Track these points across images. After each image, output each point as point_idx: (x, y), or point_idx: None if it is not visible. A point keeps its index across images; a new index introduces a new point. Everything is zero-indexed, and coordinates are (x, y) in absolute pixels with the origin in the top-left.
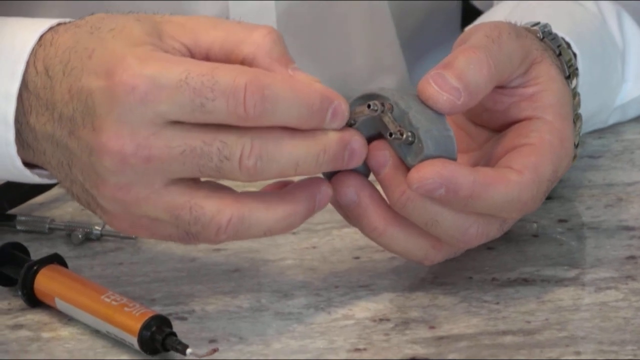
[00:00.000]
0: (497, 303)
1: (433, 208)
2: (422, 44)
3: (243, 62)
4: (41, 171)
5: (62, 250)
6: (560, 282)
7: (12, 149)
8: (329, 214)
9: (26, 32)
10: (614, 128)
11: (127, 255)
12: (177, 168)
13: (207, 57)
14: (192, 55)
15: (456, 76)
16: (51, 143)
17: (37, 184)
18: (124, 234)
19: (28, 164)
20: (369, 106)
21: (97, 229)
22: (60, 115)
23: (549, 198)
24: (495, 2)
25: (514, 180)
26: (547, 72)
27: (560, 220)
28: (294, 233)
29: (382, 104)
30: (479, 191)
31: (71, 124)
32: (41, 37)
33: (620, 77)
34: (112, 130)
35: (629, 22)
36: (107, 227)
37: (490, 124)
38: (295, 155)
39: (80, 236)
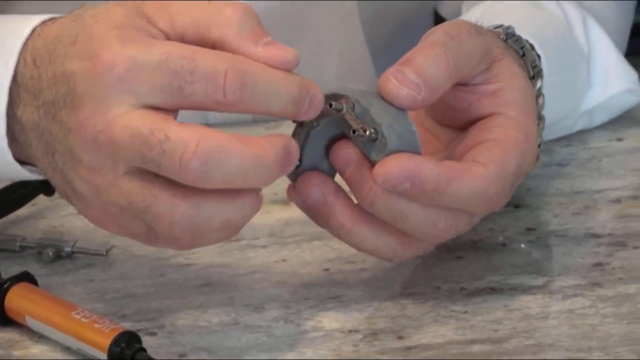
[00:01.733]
0: (465, 312)
1: (400, 203)
2: (394, 55)
3: (214, 46)
4: (30, 167)
5: (33, 268)
6: (527, 290)
7: (4, 141)
8: (299, 227)
9: (21, 26)
10: (580, 136)
11: (98, 272)
12: (128, 154)
13: (183, 42)
14: (169, 40)
15: (415, 72)
16: (36, 132)
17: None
18: (96, 225)
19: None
20: (330, 105)
21: (68, 247)
22: (44, 101)
23: (516, 206)
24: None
25: (479, 174)
26: (509, 69)
27: (528, 229)
28: (263, 247)
29: (344, 103)
30: (445, 184)
31: (54, 107)
32: (33, 30)
33: (585, 82)
34: (89, 108)
35: (594, 27)
36: (78, 245)
37: (455, 123)
38: (243, 164)
39: (50, 254)
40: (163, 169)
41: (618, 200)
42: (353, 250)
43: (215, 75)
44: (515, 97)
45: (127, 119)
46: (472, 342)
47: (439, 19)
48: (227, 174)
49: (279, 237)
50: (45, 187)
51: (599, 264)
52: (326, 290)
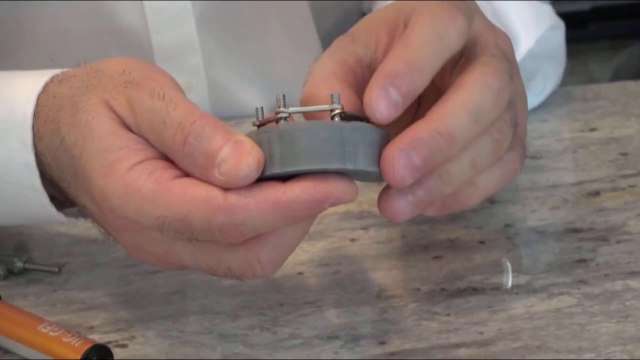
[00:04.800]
0: (448, 314)
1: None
2: None
3: None
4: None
5: None
6: (510, 289)
7: (51, 208)
8: None
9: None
10: (552, 127)
11: (61, 281)
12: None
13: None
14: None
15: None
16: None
17: None
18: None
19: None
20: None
21: (20, 262)
22: (78, 203)
23: (492, 202)
24: None
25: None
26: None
27: (506, 225)
28: None
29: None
30: (441, 115)
31: (91, 214)
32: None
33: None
34: (131, 249)
35: None
36: (33, 258)
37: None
38: (298, 237)
39: (1, 272)
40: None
41: (597, 193)
42: (325, 253)
43: (212, 232)
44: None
45: (178, 252)
46: (458, 345)
47: None
48: (294, 246)
49: None
50: None
51: (583, 260)
52: (302, 295)
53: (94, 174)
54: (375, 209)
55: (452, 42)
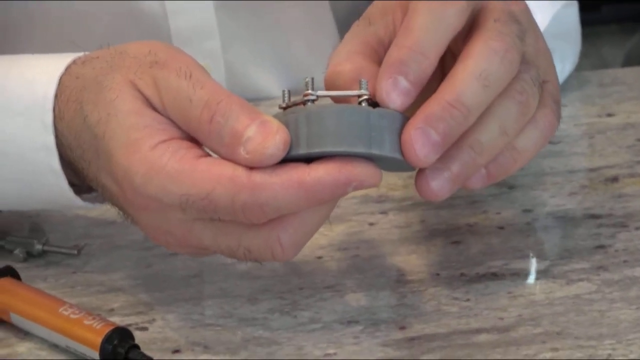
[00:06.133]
0: (468, 300)
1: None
2: None
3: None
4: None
5: (9, 264)
6: (530, 275)
7: (69, 192)
8: None
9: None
10: (570, 112)
11: (80, 263)
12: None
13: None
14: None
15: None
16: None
17: None
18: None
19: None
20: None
21: (39, 245)
22: (97, 184)
23: (511, 187)
24: None
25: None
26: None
27: (525, 210)
28: None
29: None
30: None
31: (114, 204)
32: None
33: None
34: (150, 230)
35: None
36: (51, 241)
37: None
38: (319, 221)
39: (21, 255)
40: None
41: (615, 179)
42: (345, 237)
43: (235, 211)
44: None
45: (198, 233)
46: (478, 331)
47: None
48: (315, 230)
49: None
50: None
51: (602, 247)
52: (321, 279)
53: (116, 152)
54: (395, 193)
55: (453, 21)
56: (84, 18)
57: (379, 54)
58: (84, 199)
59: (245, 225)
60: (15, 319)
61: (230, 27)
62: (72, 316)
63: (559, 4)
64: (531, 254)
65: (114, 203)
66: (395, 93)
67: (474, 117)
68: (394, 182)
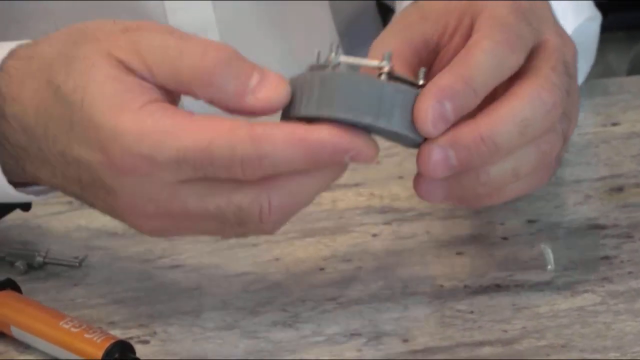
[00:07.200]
0: (472, 312)
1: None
2: (359, 33)
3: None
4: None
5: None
6: (534, 286)
7: (8, 188)
8: (289, 224)
9: None
10: None
11: (81, 276)
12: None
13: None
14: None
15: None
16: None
17: None
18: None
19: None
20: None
21: (40, 257)
22: (63, 174)
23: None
24: None
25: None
26: None
27: (529, 221)
28: (254, 245)
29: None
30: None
31: (81, 183)
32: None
33: None
34: (129, 199)
35: None
36: (51, 253)
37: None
38: (310, 191)
39: (22, 267)
40: (246, 230)
41: (620, 189)
42: (347, 248)
43: (233, 164)
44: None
45: (183, 197)
46: (482, 344)
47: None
48: (306, 201)
49: (268, 235)
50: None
51: (607, 258)
52: (323, 291)
53: (100, 116)
54: (397, 204)
55: (513, 65)
56: (82, 15)
57: (420, 57)
58: (28, 193)
59: (237, 182)
60: (16, 332)
61: (229, 25)
62: (72, 330)
63: (583, 15)
64: (543, 245)
65: (84, 179)
66: (438, 116)
67: (499, 157)
68: (396, 193)
